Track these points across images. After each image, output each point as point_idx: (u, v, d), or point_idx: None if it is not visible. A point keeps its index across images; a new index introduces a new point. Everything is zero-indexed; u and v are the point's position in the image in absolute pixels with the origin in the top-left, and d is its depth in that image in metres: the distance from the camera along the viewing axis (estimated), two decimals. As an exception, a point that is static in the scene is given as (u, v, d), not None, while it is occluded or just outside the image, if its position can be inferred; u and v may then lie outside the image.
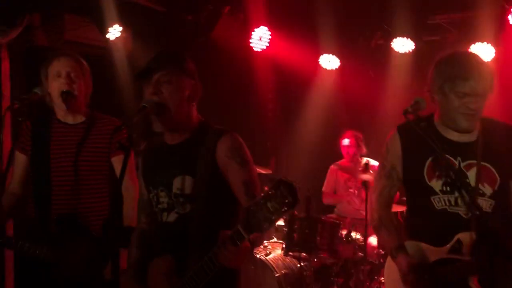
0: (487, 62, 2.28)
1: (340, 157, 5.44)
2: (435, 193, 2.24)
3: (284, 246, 4.55)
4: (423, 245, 2.25)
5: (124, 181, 2.00)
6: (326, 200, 5.41)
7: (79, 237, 2.60)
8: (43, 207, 2.64)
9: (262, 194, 1.65)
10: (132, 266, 2.21)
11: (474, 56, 2.27)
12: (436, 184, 2.24)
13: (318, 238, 4.40)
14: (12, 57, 4.36)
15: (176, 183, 2.08)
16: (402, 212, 4.14)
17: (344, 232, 4.55)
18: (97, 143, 2.73)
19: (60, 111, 2.76)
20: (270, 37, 5.63)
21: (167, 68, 2.05)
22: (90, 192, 2.70)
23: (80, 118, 2.78)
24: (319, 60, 5.98)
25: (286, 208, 1.61)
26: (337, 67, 6.00)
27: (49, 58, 2.73)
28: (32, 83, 2.83)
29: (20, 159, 2.75)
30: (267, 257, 4.42)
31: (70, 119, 2.76)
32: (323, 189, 5.42)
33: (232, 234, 1.75)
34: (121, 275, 2.08)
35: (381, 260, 4.48)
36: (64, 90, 2.65)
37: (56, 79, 2.67)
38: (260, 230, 1.67)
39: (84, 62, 2.79)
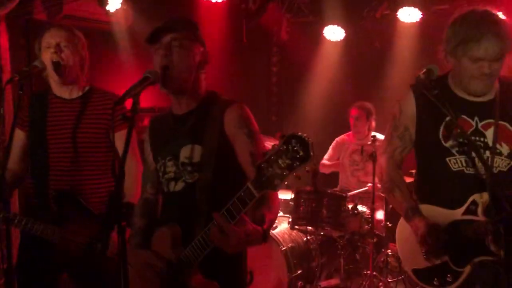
0: (504, 20, 2.12)
1: (346, 129, 5.37)
2: (452, 154, 2.19)
3: (290, 220, 4.54)
4: (437, 208, 2.22)
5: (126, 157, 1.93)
6: (322, 169, 5.33)
7: (79, 214, 2.56)
8: (41, 184, 2.61)
9: (273, 151, 1.61)
10: (136, 234, 2.19)
11: (491, 16, 2.13)
12: (452, 145, 2.19)
13: (324, 211, 4.38)
14: (11, 31, 4.29)
15: (184, 152, 2.06)
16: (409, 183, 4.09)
17: (350, 205, 4.52)
18: (95, 118, 2.67)
19: (56, 85, 2.70)
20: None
21: (180, 31, 2.01)
22: (90, 168, 2.65)
23: (77, 93, 2.71)
24: (323, 31, 5.87)
25: (298, 163, 1.57)
26: (342, 39, 5.89)
27: (42, 31, 2.67)
28: (32, 56, 2.77)
29: (19, 135, 2.71)
30: (273, 231, 4.41)
31: (66, 94, 2.70)
32: (322, 160, 5.35)
33: (241, 194, 1.71)
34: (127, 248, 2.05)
35: (388, 233, 4.47)
36: (54, 60, 2.59)
37: (46, 50, 2.62)
38: (272, 187, 1.63)
39: (78, 33, 2.71)
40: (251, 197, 1.70)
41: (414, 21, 5.25)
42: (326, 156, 5.37)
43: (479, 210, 2.13)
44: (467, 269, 2.13)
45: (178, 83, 2.02)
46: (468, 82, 2.16)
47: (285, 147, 1.59)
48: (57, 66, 2.60)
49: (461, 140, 2.15)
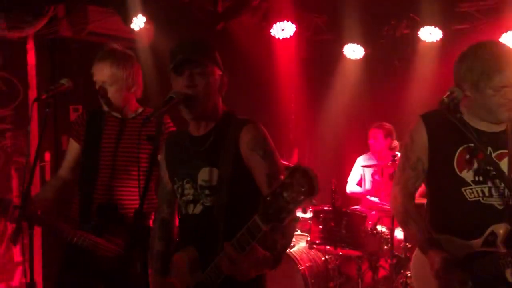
0: None
1: (365, 147, 5.34)
2: (467, 184, 2.16)
3: (308, 238, 4.51)
4: (455, 239, 2.18)
5: None
6: (349, 189, 5.32)
7: (119, 228, 2.62)
8: (87, 196, 2.68)
9: (278, 184, 1.60)
10: (155, 259, 2.18)
11: (501, 45, 2.20)
12: (467, 175, 2.16)
13: (343, 231, 4.35)
14: (37, 48, 4.40)
15: (202, 175, 2.05)
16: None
17: (369, 225, 4.48)
18: (130, 135, 2.74)
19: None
20: (294, 29, 5.53)
21: (200, 59, 2.01)
22: (126, 183, 2.70)
23: (130, 113, 2.78)
24: (343, 49, 5.88)
25: (303, 197, 1.55)
26: (361, 57, 5.90)
27: (94, 58, 2.74)
28: (58, 73, 2.82)
29: (73, 146, 2.82)
30: (291, 250, 4.38)
31: (118, 114, 2.78)
32: (348, 178, 5.34)
33: (249, 226, 1.70)
34: (149, 268, 2.06)
35: (407, 254, 4.41)
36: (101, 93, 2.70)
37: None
38: (279, 221, 1.61)
39: (127, 61, 2.73)
40: (258, 229, 1.68)
41: (435, 40, 5.24)
42: (350, 177, 5.36)
43: (499, 241, 2.09)
44: None
45: (201, 109, 2.02)
46: (496, 111, 2.14)
47: (290, 180, 1.56)
48: (103, 95, 2.69)
49: (486, 167, 2.12)
